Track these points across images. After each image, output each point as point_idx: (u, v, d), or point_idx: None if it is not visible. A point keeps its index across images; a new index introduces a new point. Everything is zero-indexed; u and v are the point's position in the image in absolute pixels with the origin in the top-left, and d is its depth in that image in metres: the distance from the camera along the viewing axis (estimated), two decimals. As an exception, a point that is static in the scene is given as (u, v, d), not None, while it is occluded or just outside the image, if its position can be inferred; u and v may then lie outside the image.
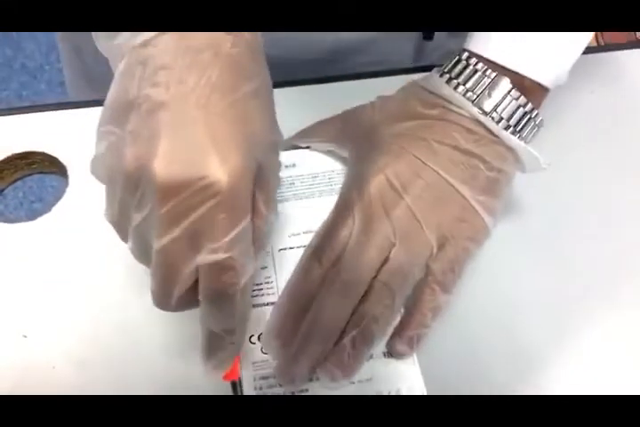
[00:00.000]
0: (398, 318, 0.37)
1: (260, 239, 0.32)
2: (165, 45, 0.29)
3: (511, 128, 0.38)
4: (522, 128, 0.38)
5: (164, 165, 0.27)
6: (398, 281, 0.35)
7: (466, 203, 0.37)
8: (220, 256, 0.29)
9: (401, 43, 0.59)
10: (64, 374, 0.39)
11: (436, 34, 0.60)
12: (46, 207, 0.46)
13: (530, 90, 0.38)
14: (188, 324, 0.40)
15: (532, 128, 0.39)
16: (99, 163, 0.31)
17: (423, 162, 0.37)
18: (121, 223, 0.31)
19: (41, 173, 0.49)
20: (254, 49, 0.32)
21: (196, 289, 0.30)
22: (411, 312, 0.37)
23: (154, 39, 0.29)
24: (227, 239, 0.29)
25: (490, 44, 0.38)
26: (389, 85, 0.53)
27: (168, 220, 0.28)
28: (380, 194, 0.36)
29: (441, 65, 0.40)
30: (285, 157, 0.44)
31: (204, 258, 0.29)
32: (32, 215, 0.45)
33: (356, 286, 0.35)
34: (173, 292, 0.30)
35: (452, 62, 0.39)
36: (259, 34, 0.33)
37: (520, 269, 0.44)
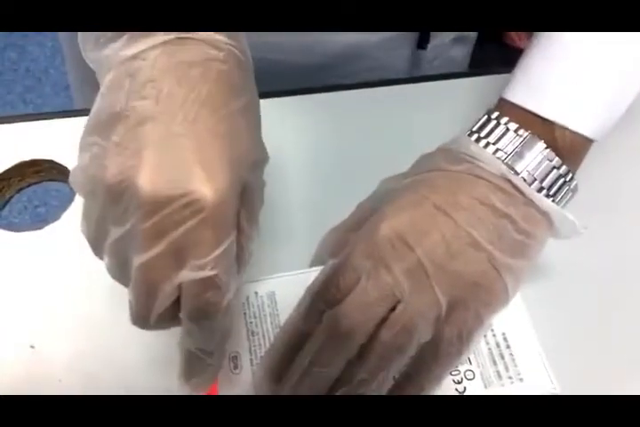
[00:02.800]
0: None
1: (243, 257, 0.32)
2: (155, 59, 0.29)
3: (544, 191, 0.35)
4: (556, 192, 0.35)
5: (150, 180, 0.27)
6: (398, 342, 0.32)
7: (487, 264, 0.33)
8: (206, 274, 0.28)
9: (397, 48, 0.59)
10: (70, 387, 0.39)
11: (438, 42, 0.60)
12: (50, 212, 0.46)
13: (566, 148, 0.35)
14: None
15: (567, 193, 0.36)
16: (80, 174, 0.30)
17: (445, 213, 0.33)
18: (98, 238, 0.31)
19: (49, 180, 0.49)
20: (244, 66, 0.32)
21: (176, 307, 0.30)
22: (409, 377, 0.34)
23: (144, 52, 0.29)
24: (212, 257, 0.28)
25: (527, 94, 0.36)
26: (389, 95, 0.53)
27: (151, 235, 0.28)
28: (390, 243, 0.33)
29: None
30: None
31: (188, 275, 0.28)
32: (36, 220, 0.46)
33: (351, 338, 0.32)
34: (153, 310, 0.29)
35: (481, 122, 0.36)
36: (248, 51, 0.33)
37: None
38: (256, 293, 0.40)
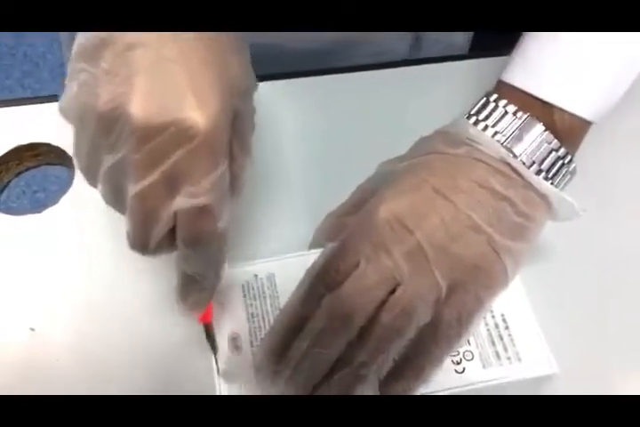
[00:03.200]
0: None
1: (237, 186, 0.32)
2: None
3: (543, 173, 0.35)
4: (554, 174, 0.35)
5: (142, 107, 0.27)
6: (398, 325, 0.32)
7: (487, 247, 0.33)
8: (199, 201, 0.29)
9: (399, 33, 0.59)
10: (70, 368, 0.40)
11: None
12: (49, 197, 0.46)
13: (565, 131, 0.35)
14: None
15: (565, 175, 0.36)
16: (69, 102, 0.30)
17: (444, 196, 0.33)
18: (90, 166, 0.31)
19: (47, 164, 0.49)
20: None
21: (172, 233, 0.30)
22: (409, 359, 0.34)
23: None
24: (205, 184, 0.28)
25: (526, 76, 0.36)
26: (388, 78, 0.53)
27: (145, 163, 0.28)
28: (389, 226, 0.33)
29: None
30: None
31: (183, 203, 0.29)
32: (35, 205, 0.46)
33: (351, 320, 0.32)
34: (151, 236, 0.30)
35: (480, 105, 0.36)
36: None
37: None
38: (256, 275, 0.40)
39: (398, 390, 0.34)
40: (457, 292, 0.33)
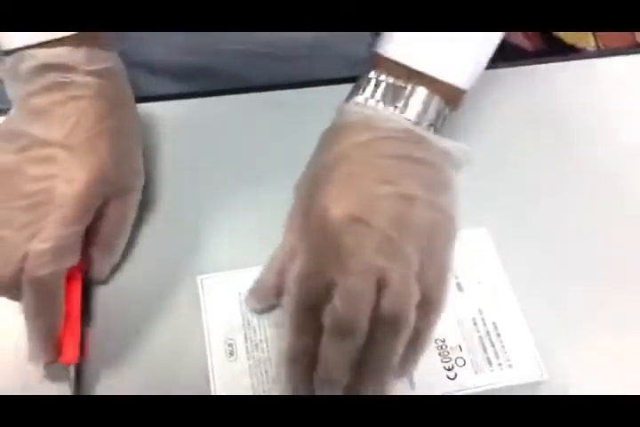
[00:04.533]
0: None
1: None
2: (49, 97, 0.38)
3: (438, 132, 0.38)
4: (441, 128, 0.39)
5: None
6: (399, 312, 0.33)
7: (430, 211, 0.35)
8: (44, 246, 0.35)
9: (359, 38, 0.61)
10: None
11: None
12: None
13: (445, 97, 0.38)
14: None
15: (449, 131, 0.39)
16: None
17: (376, 181, 0.35)
18: None
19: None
20: (112, 98, 0.40)
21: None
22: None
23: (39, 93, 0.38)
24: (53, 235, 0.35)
25: (400, 49, 0.38)
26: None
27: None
28: (346, 226, 0.34)
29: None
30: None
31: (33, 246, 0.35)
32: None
33: (354, 333, 0.33)
34: (5, 274, 0.35)
35: (362, 85, 0.39)
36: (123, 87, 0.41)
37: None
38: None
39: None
40: (427, 260, 0.35)
